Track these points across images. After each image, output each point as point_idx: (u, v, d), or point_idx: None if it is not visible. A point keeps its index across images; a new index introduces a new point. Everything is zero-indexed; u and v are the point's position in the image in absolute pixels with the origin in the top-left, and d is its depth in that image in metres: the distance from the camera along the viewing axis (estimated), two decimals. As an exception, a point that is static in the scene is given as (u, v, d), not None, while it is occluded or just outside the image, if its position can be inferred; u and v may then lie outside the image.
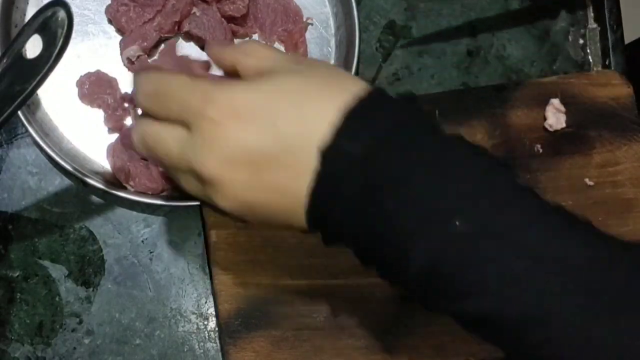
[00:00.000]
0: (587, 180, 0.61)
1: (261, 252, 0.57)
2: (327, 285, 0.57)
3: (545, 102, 0.63)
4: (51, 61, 0.46)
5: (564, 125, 0.62)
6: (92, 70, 0.63)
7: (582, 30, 0.70)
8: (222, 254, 0.57)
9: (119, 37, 0.64)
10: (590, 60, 0.70)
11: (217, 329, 0.59)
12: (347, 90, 0.40)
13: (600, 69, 0.69)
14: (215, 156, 0.40)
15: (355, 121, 0.39)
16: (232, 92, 0.41)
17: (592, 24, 0.70)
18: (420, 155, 0.39)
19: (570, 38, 0.70)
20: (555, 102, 0.63)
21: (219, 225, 0.57)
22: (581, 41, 0.70)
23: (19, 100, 0.47)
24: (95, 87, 0.62)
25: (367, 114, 0.40)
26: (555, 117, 0.62)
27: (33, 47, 0.47)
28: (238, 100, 0.40)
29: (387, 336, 0.56)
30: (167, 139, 0.43)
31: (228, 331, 0.55)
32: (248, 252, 0.57)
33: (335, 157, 0.39)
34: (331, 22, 0.67)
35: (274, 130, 0.40)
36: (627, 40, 0.67)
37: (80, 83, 0.62)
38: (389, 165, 0.39)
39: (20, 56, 0.47)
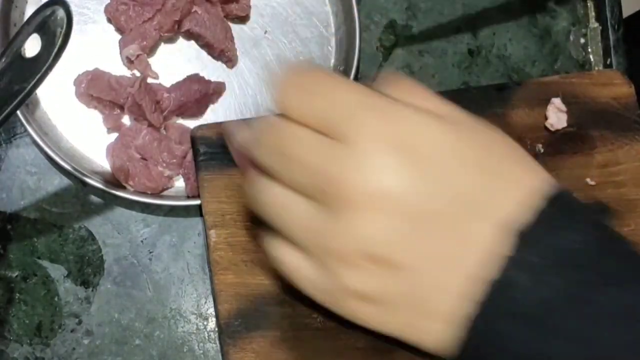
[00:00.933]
0: (588, 180, 0.61)
1: (261, 252, 0.56)
2: (327, 285, 0.56)
3: (546, 102, 0.63)
4: (50, 60, 0.46)
5: (565, 124, 0.62)
6: (91, 69, 0.62)
7: (584, 30, 0.70)
8: (222, 253, 0.56)
9: (118, 36, 0.64)
10: (592, 60, 0.70)
11: (216, 329, 0.59)
12: (517, 201, 0.34)
13: (601, 68, 0.69)
14: (353, 246, 0.34)
15: (528, 250, 0.32)
16: (379, 171, 0.33)
17: (594, 24, 0.70)
18: (602, 312, 0.32)
19: (571, 37, 0.70)
20: (557, 101, 0.62)
21: (219, 225, 0.57)
22: (582, 40, 0.70)
23: (18, 99, 0.47)
24: (92, 86, 0.62)
25: (544, 242, 0.33)
26: (556, 116, 0.62)
27: (32, 46, 0.47)
28: (385, 186, 0.33)
29: (387, 337, 0.56)
30: (293, 210, 0.36)
31: (228, 331, 0.55)
32: (248, 252, 0.56)
33: (502, 293, 0.32)
34: (331, 21, 0.67)
35: (425, 238, 0.33)
36: (625, 14, 0.66)
37: (78, 82, 0.62)
38: (563, 321, 0.32)
39: (19, 55, 0.47)
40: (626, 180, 0.61)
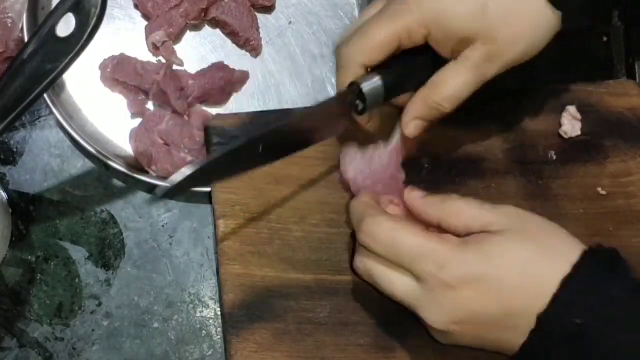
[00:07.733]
0: (599, 189, 0.61)
1: (268, 244, 0.56)
2: (332, 281, 0.56)
3: (561, 109, 0.62)
4: (83, 40, 0.46)
5: (579, 133, 0.62)
6: (117, 54, 0.63)
7: (607, 29, 0.70)
8: (230, 244, 0.56)
9: (145, 23, 0.65)
10: (614, 58, 0.70)
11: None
12: (565, 257, 0.45)
13: (623, 66, 0.68)
14: (444, 314, 0.46)
15: (571, 293, 0.44)
16: (464, 259, 0.46)
17: (617, 22, 0.70)
18: (634, 339, 0.43)
19: (594, 35, 0.70)
20: (572, 109, 0.62)
21: (228, 215, 0.57)
22: (605, 39, 0.70)
23: (50, 78, 0.47)
24: (118, 71, 0.62)
25: (583, 288, 0.44)
26: (570, 124, 0.62)
27: (65, 26, 0.47)
28: (470, 268, 0.45)
29: (390, 335, 0.55)
30: (395, 282, 0.48)
31: (231, 321, 0.54)
32: (255, 244, 0.56)
33: (550, 326, 0.44)
34: (356, 13, 0.68)
35: (501, 298, 0.45)
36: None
37: (104, 66, 0.63)
38: (600, 345, 0.43)
39: (53, 34, 0.47)
40: (637, 191, 0.61)
